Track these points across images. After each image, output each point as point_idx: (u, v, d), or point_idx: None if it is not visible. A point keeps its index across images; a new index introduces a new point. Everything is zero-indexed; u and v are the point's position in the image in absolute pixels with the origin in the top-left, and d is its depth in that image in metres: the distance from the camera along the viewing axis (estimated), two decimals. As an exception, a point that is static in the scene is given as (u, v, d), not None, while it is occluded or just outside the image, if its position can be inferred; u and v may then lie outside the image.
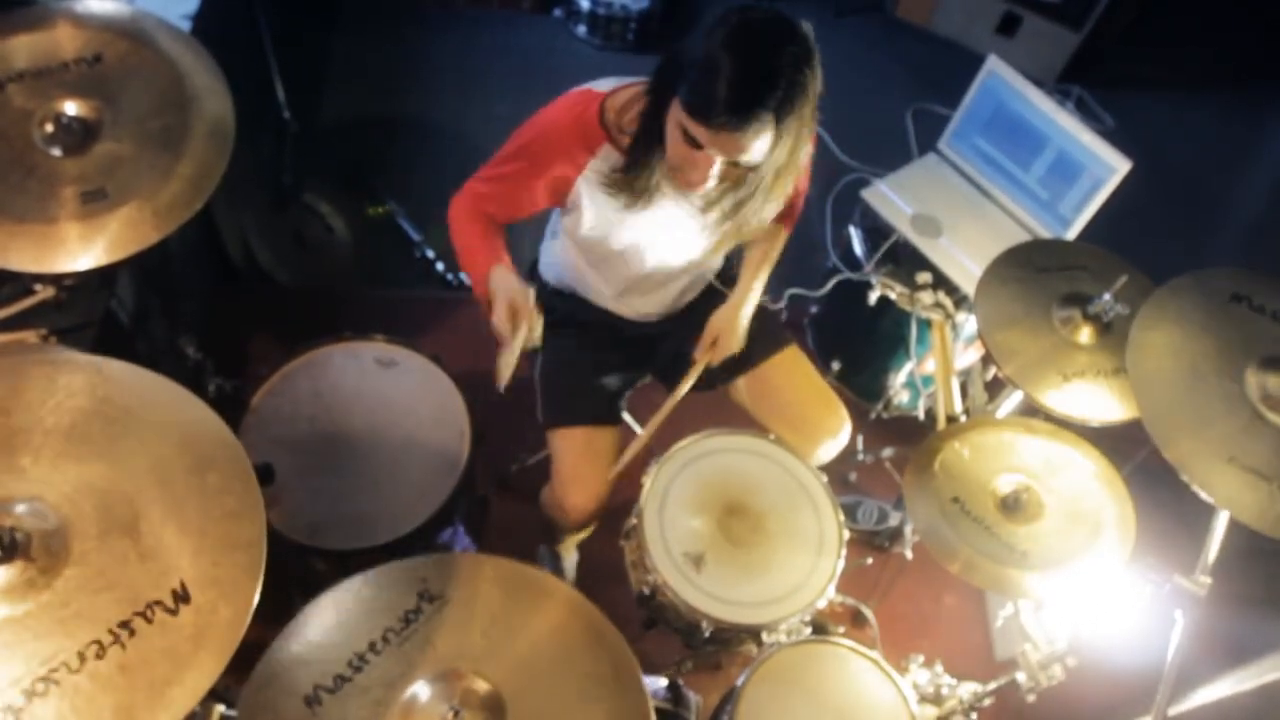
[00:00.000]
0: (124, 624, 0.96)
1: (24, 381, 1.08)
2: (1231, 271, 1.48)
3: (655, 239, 1.60)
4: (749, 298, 1.70)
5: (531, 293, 1.45)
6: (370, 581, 1.26)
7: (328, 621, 1.22)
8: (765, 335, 1.78)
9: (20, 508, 1.00)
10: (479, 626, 1.22)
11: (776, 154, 1.31)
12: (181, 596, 0.99)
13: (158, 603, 0.98)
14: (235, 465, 1.09)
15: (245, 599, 1.01)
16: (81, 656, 0.94)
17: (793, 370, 1.81)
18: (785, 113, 1.25)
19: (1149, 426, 1.33)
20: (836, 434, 1.79)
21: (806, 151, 1.41)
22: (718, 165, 1.32)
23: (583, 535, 1.95)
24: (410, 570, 1.27)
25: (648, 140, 1.39)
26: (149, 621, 0.97)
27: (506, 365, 1.42)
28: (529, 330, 1.44)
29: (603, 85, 1.49)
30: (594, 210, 1.54)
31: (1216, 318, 1.42)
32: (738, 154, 1.29)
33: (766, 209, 1.46)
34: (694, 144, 1.29)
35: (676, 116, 1.30)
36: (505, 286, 1.46)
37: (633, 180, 1.44)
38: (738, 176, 1.37)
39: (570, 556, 2.12)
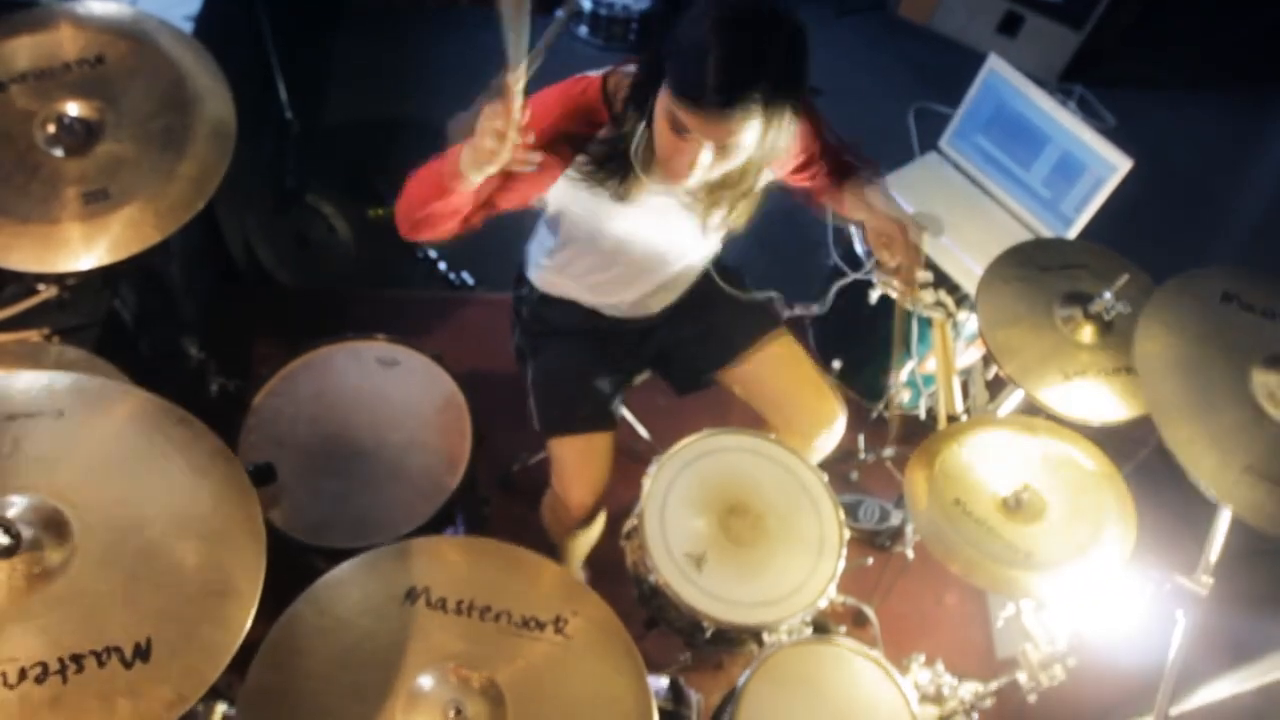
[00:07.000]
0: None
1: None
2: (1241, 270, 1.47)
3: (644, 231, 1.57)
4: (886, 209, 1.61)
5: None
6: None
7: (501, 559, 1.23)
8: (755, 322, 1.77)
9: (23, 503, 1.01)
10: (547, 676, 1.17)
11: (765, 141, 1.29)
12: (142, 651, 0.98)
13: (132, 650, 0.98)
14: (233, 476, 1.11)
15: (253, 579, 1.04)
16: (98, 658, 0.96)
17: (785, 359, 1.80)
18: (775, 98, 1.23)
19: (1156, 419, 1.32)
20: (831, 424, 1.78)
21: (792, 133, 1.37)
22: (705, 155, 1.29)
23: (586, 546, 1.94)
24: (576, 597, 1.23)
25: (635, 113, 1.36)
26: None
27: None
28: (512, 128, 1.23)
29: (596, 71, 1.46)
30: (581, 204, 1.51)
31: (1218, 316, 1.42)
32: (726, 139, 1.26)
33: (746, 202, 1.45)
34: (681, 130, 1.27)
35: (664, 102, 1.27)
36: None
37: (617, 160, 1.41)
38: (725, 168, 1.35)
39: (579, 576, 2.11)
